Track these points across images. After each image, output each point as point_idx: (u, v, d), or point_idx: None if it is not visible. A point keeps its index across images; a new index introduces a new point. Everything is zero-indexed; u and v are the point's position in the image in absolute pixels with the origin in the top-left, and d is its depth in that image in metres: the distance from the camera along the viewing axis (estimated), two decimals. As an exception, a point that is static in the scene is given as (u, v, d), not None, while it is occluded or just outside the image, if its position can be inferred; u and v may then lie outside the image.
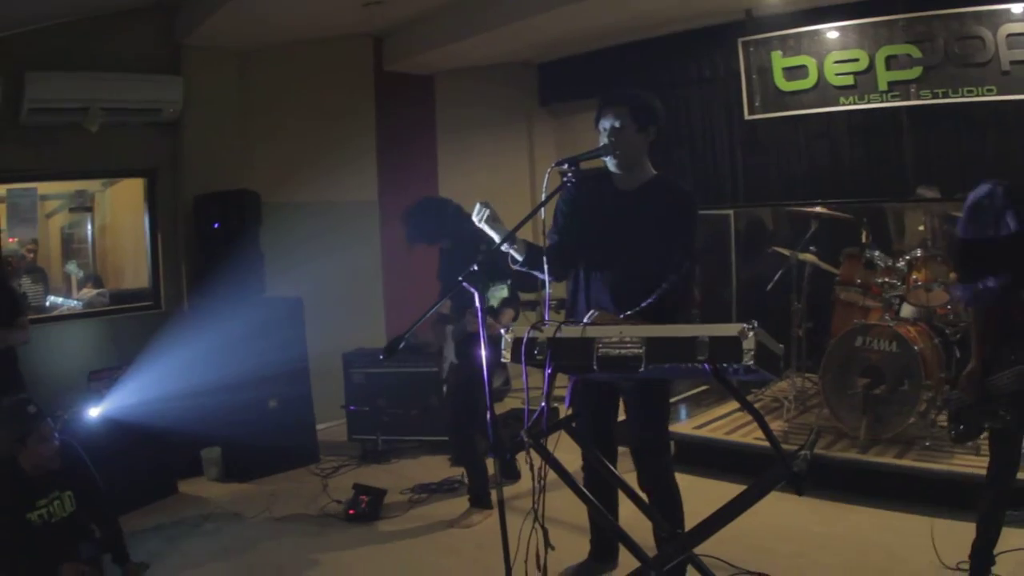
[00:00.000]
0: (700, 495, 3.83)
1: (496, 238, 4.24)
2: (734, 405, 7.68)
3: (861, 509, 5.94)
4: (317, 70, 9.13)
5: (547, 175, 4.13)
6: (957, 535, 4.68)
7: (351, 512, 6.19)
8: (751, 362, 3.08)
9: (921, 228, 7.10)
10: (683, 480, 4.76)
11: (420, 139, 10.29)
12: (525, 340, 3.55)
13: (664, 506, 4.48)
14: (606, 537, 4.92)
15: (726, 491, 3.64)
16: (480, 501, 6.06)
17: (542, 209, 4.08)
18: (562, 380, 3.87)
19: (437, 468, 7.20)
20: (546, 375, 3.52)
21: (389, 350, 3.95)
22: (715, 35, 9.88)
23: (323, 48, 9.14)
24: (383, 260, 9.59)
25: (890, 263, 7.06)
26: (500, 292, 6.01)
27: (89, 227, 8.03)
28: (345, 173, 9.18)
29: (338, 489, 6.68)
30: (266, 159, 8.58)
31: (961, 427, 4.58)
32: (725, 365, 3.18)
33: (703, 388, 8.29)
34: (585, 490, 3.98)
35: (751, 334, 3.09)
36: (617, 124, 4.45)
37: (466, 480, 6.41)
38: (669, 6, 8.94)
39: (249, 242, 7.71)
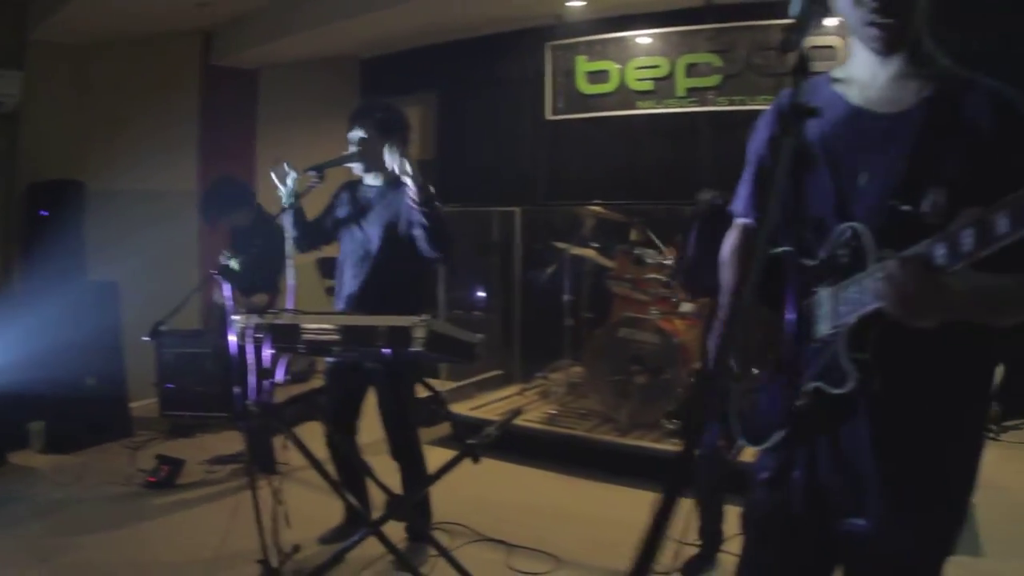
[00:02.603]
0: (471, 472, 4.27)
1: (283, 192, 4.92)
2: (513, 389, 8.45)
3: (618, 488, 6.48)
4: (149, 64, 9.44)
5: (297, 179, 4.72)
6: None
7: (151, 480, 6.63)
8: (420, 348, 3.65)
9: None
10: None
11: (241, 131, 10.61)
12: (249, 328, 4.10)
13: (411, 477, 5.06)
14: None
15: (491, 468, 4.22)
16: (265, 467, 6.54)
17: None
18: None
19: (236, 442, 7.55)
20: (264, 354, 4.05)
21: (152, 333, 4.48)
22: (527, 38, 10.27)
23: (156, 42, 9.44)
24: (200, 247, 9.92)
25: (659, 260, 7.55)
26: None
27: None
28: (168, 163, 9.56)
29: (146, 460, 7.05)
30: (98, 149, 8.88)
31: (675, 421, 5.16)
32: (405, 350, 3.76)
33: (496, 373, 8.88)
34: (315, 455, 4.49)
35: (422, 325, 3.65)
36: (364, 135, 4.97)
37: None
38: (487, 10, 9.35)
39: (72, 229, 8.09)
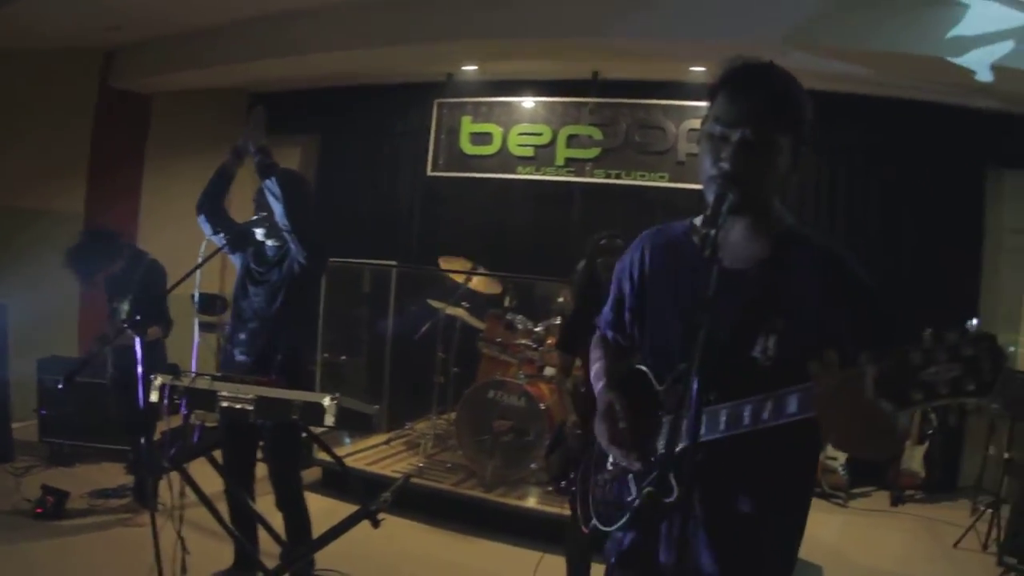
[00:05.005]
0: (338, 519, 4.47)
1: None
2: (381, 438, 8.66)
3: (482, 541, 6.85)
4: (47, 79, 9.38)
5: (204, 245, 5.12)
6: (561, 569, 5.45)
7: (39, 511, 6.66)
8: (331, 423, 4.04)
9: (560, 299, 7.96)
10: (327, 503, 5.62)
11: (130, 156, 10.58)
12: (168, 387, 4.36)
13: (294, 525, 5.28)
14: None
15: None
16: (145, 501, 6.71)
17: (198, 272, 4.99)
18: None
19: (115, 474, 7.68)
20: (183, 416, 4.35)
21: (67, 379, 4.66)
22: (418, 92, 10.59)
23: (56, 58, 9.40)
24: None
25: (529, 326, 8.00)
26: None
27: None
28: (56, 182, 9.56)
29: (30, 487, 7.10)
30: (-11, 166, 8.81)
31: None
32: (318, 423, 4.13)
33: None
34: (216, 508, 4.80)
35: (333, 402, 4.03)
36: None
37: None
38: (380, 63, 9.68)
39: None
